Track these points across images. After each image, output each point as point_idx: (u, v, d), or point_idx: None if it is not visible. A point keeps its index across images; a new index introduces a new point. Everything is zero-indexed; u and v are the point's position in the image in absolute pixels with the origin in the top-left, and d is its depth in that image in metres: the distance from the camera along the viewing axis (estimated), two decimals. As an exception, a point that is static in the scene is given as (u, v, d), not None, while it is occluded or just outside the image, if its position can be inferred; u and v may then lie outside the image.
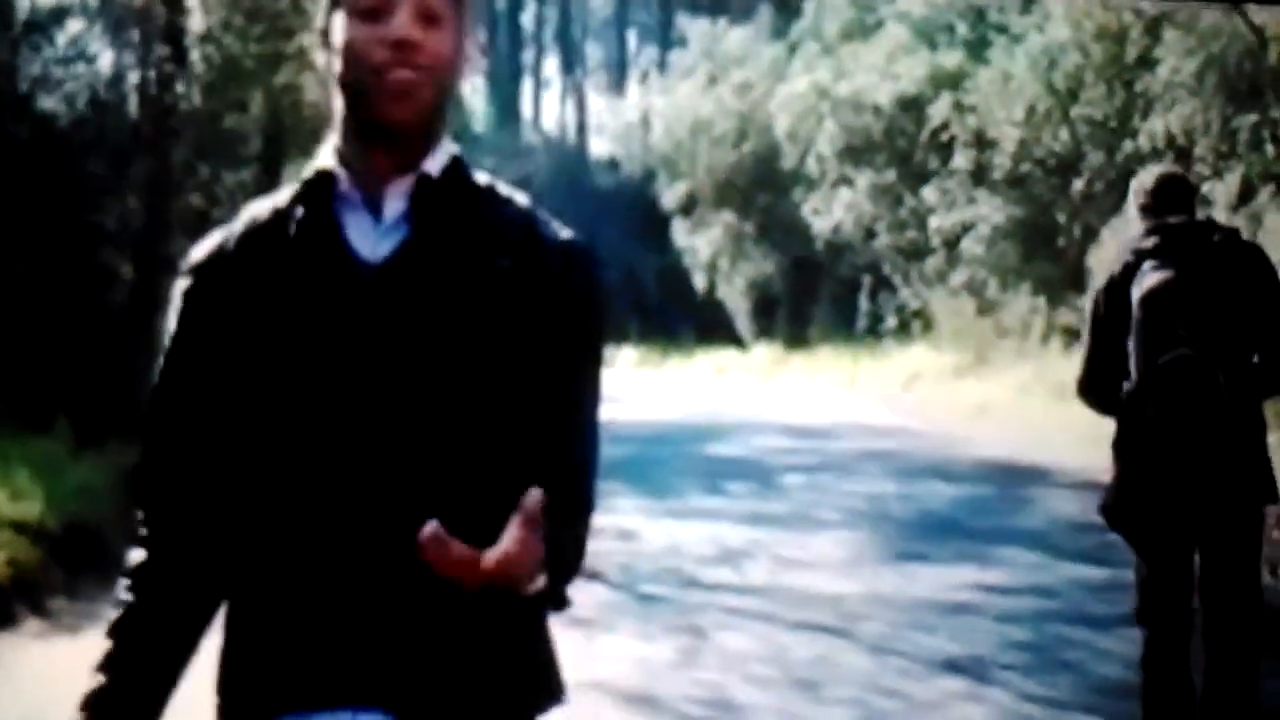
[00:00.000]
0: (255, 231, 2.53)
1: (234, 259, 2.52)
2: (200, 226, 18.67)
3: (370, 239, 2.47)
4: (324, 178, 2.50)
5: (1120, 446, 6.52)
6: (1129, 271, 6.37)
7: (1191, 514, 6.38)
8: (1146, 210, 6.54)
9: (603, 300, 2.59)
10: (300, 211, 2.50)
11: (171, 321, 2.57)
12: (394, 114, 2.44)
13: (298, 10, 18.55)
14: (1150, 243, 6.39)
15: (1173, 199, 6.55)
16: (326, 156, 2.51)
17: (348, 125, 2.50)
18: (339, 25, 2.47)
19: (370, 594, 2.40)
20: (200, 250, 2.57)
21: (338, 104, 2.52)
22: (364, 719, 2.42)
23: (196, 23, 17.38)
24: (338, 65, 2.48)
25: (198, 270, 2.56)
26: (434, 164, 2.51)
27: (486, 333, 2.43)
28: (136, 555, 2.58)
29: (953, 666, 8.85)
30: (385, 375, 2.41)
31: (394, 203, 2.48)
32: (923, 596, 10.55)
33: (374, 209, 2.48)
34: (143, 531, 2.59)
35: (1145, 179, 6.72)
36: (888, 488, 15.58)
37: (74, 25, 17.31)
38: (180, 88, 17.02)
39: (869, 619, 9.89)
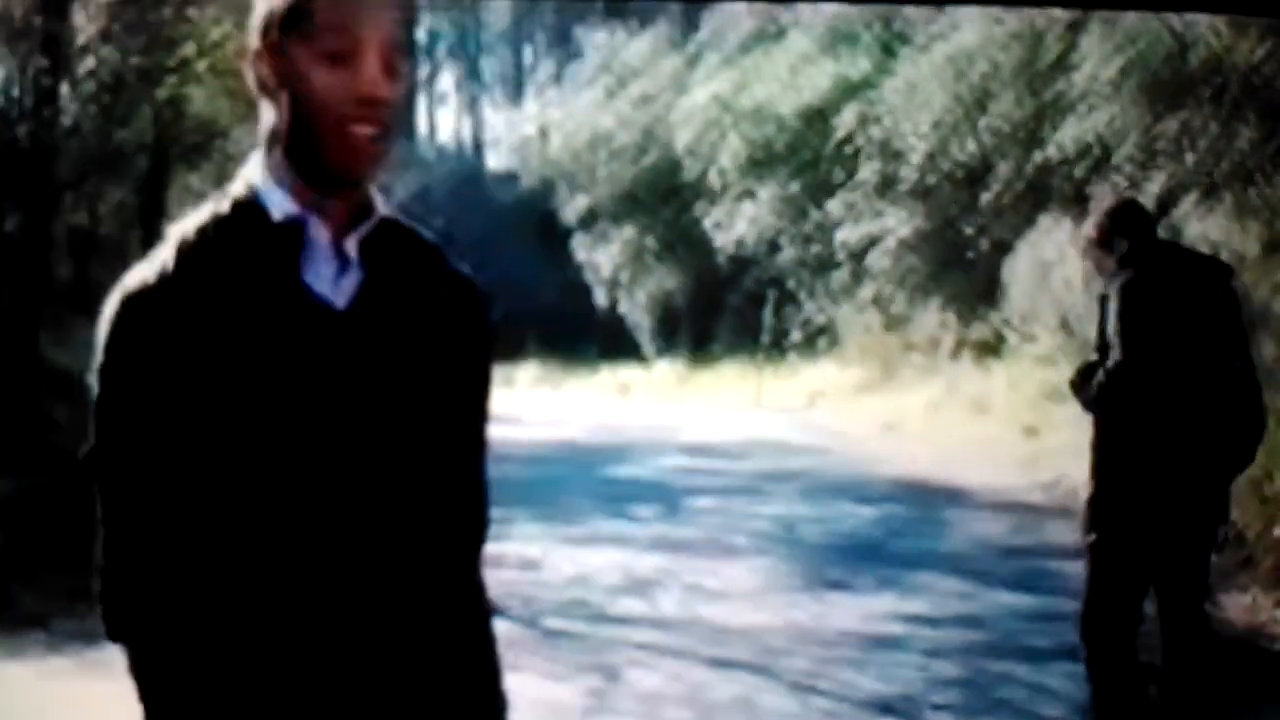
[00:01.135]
0: (200, 263, 2.47)
1: (182, 293, 2.44)
2: (85, 246, 18.04)
3: (330, 282, 2.47)
4: (290, 221, 2.48)
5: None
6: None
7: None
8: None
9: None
10: (254, 249, 2.47)
11: (109, 355, 2.47)
12: (355, 169, 2.45)
13: (181, 20, 17.88)
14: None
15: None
16: (276, 192, 2.48)
17: (295, 161, 2.47)
18: (300, 60, 2.43)
19: (338, 631, 2.45)
20: (137, 281, 2.48)
21: (272, 124, 2.49)
22: None
23: (80, 34, 16.58)
24: (288, 100, 2.45)
25: (139, 303, 2.46)
26: (382, 205, 2.55)
27: (435, 372, 2.52)
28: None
29: (883, 707, 8.35)
30: (356, 417, 2.44)
31: (352, 245, 2.50)
32: (845, 629, 10.00)
33: (336, 252, 2.49)
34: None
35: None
36: (800, 510, 14.99)
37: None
38: (62, 101, 16.26)
39: (790, 654, 9.32)
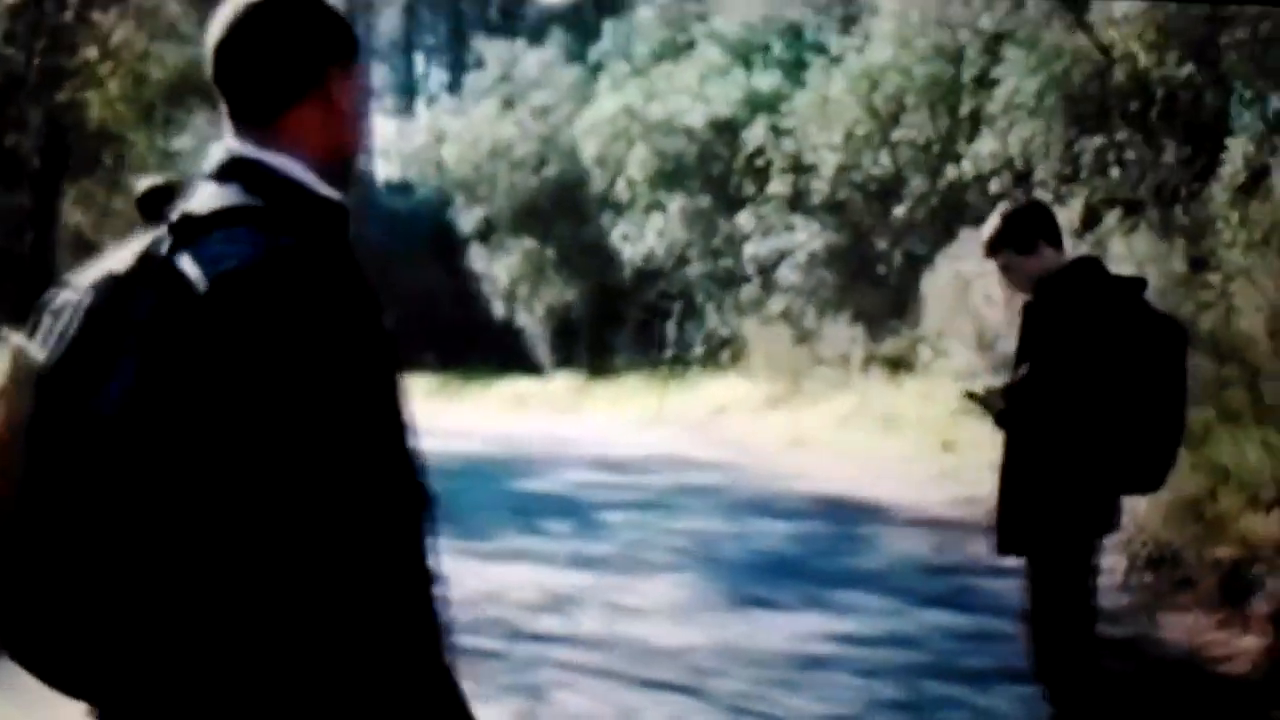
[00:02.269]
0: (340, 252, 2.60)
1: (359, 281, 2.59)
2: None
3: None
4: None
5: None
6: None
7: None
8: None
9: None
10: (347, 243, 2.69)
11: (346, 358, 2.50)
12: (346, 186, 2.76)
13: (82, 23, 17.38)
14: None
15: None
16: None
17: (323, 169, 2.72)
18: (345, 90, 2.75)
19: None
20: (323, 276, 2.53)
21: (319, 134, 2.73)
22: None
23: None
24: (339, 120, 2.75)
25: (360, 293, 2.58)
26: None
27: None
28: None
29: (824, 731, 7.97)
30: None
31: None
32: (776, 648, 9.63)
33: None
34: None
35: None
36: (716, 525, 14.61)
37: None
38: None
39: (722, 675, 8.94)
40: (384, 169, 54.80)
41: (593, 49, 38.03)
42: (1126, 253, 15.15)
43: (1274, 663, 9.12)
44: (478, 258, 39.30)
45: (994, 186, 19.83)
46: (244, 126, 2.71)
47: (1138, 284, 6.80)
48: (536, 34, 42.10)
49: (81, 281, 2.59)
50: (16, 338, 2.57)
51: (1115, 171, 16.89)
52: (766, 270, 27.09)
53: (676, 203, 30.77)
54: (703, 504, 15.96)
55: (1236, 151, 14.71)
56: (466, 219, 39.16)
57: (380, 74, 65.45)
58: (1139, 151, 16.76)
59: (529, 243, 37.40)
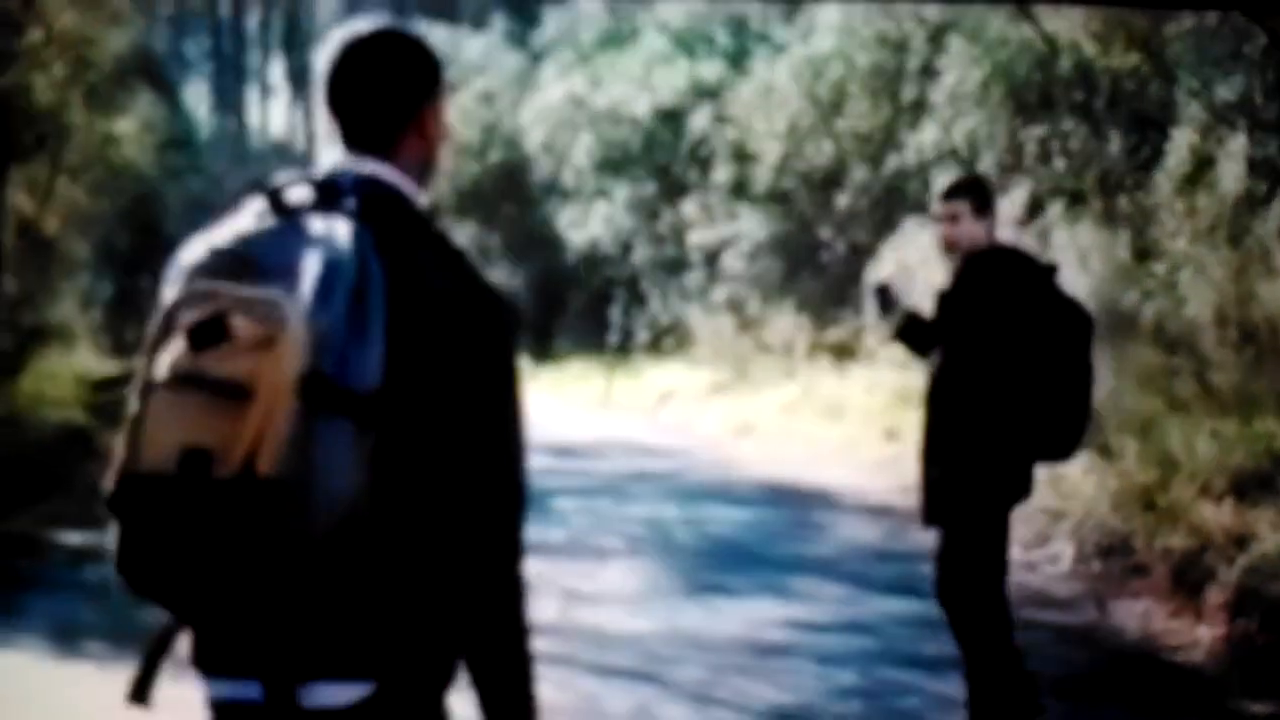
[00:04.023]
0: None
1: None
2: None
3: None
4: None
5: None
6: None
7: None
8: None
9: None
10: None
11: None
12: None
13: (27, 6, 17.24)
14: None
15: None
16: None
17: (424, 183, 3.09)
18: (435, 121, 3.10)
19: None
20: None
21: (423, 157, 3.11)
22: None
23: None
24: (437, 145, 3.11)
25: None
26: None
27: None
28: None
29: (783, 717, 8.03)
30: None
31: None
32: (733, 635, 9.73)
33: None
34: None
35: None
36: (668, 512, 14.67)
37: None
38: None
39: (682, 662, 9.05)
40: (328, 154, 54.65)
41: (536, 35, 37.97)
42: (1070, 242, 15.26)
43: (1229, 652, 9.25)
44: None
45: (936, 176, 19.93)
46: (356, 146, 3.02)
47: (1049, 270, 7.17)
48: (478, 20, 41.98)
49: (241, 245, 2.80)
50: (247, 289, 2.68)
51: (1059, 161, 16.99)
52: (711, 258, 27.12)
53: (622, 190, 30.81)
54: (654, 490, 16.01)
55: (1181, 141, 14.79)
56: (409, 203, 38.97)
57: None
58: (1083, 141, 16.86)
59: (472, 228, 37.33)
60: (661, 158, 30.04)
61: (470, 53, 38.88)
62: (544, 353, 33.58)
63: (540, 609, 8.85)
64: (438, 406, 2.77)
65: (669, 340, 28.78)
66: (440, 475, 2.78)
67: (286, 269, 2.69)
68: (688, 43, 30.64)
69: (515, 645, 2.90)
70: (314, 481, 2.57)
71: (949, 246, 7.12)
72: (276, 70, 64.48)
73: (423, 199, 3.02)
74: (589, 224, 31.41)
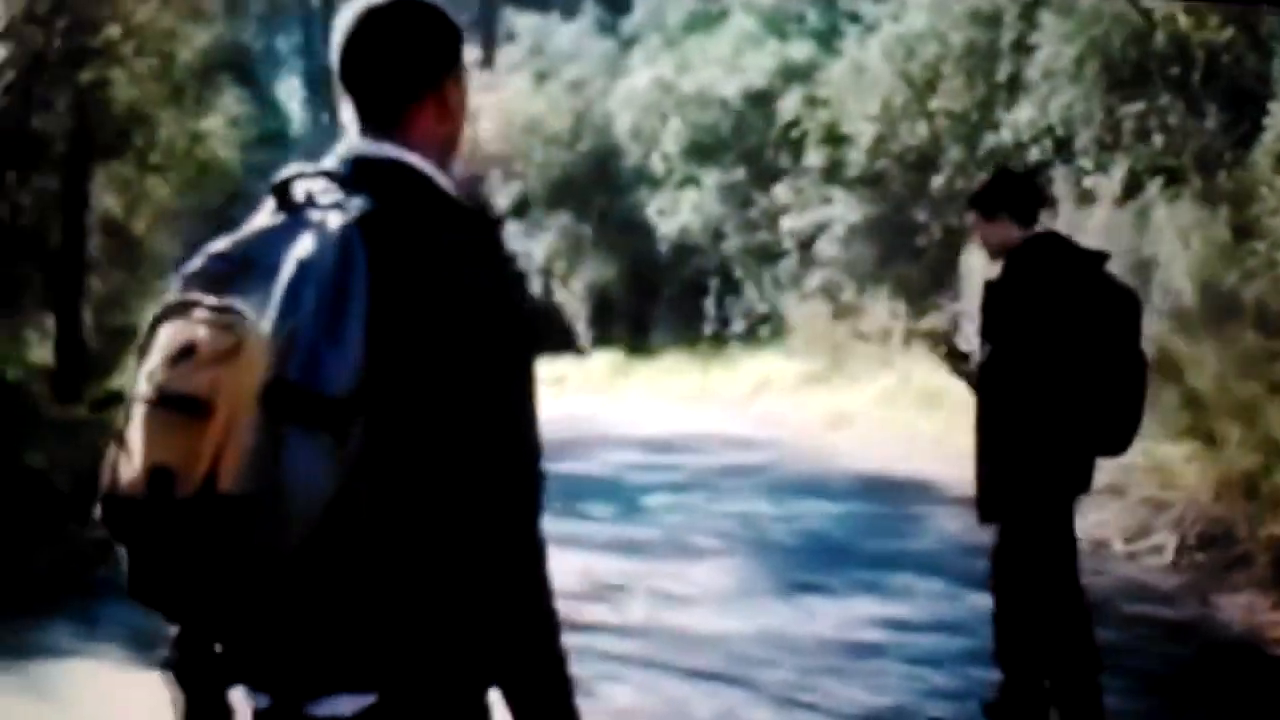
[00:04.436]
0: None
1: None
2: (7, 236, 17.28)
3: None
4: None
5: None
6: None
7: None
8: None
9: None
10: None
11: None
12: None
13: (105, 1, 17.17)
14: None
15: None
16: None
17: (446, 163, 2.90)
18: (456, 92, 2.93)
19: None
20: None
21: (442, 135, 2.92)
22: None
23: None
24: (458, 120, 2.94)
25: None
26: None
27: None
28: None
29: (876, 721, 7.79)
30: None
31: None
32: (824, 635, 9.46)
33: None
34: None
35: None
36: (762, 507, 14.40)
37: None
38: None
39: (771, 664, 8.78)
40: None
41: (625, 22, 37.82)
42: (1169, 221, 14.89)
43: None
44: (514, 235, 39.17)
45: (1033, 155, 19.59)
46: (370, 125, 2.86)
47: (1098, 257, 7.08)
48: (569, 7, 42.01)
49: (241, 247, 2.68)
50: (214, 299, 2.57)
51: (1157, 138, 16.62)
52: (805, 244, 26.81)
53: (711, 176, 30.50)
54: (747, 484, 15.76)
55: (1279, 116, 14.44)
56: (502, 196, 39.01)
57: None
58: (1180, 117, 16.48)
59: (564, 219, 37.25)
60: (752, 142, 29.67)
61: (560, 41, 38.88)
62: (639, 345, 33.46)
63: (627, 611, 8.68)
64: (430, 407, 2.62)
65: (764, 329, 28.55)
66: (439, 479, 2.64)
67: (278, 269, 2.58)
68: (777, 23, 30.33)
69: (540, 656, 2.77)
70: (280, 494, 2.45)
71: (988, 253, 7.19)
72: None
73: (444, 180, 2.84)
74: (679, 212, 31.18)
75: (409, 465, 2.61)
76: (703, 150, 30.50)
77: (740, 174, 29.92)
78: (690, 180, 31.03)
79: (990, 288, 6.98)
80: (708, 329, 30.87)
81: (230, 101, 25.09)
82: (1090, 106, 18.05)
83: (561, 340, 36.61)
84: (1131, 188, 16.45)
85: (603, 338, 35.67)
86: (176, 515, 2.47)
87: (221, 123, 23.77)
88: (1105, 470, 13.91)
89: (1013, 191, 7.06)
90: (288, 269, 2.55)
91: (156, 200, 20.58)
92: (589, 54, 37.72)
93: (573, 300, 37.36)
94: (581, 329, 36.79)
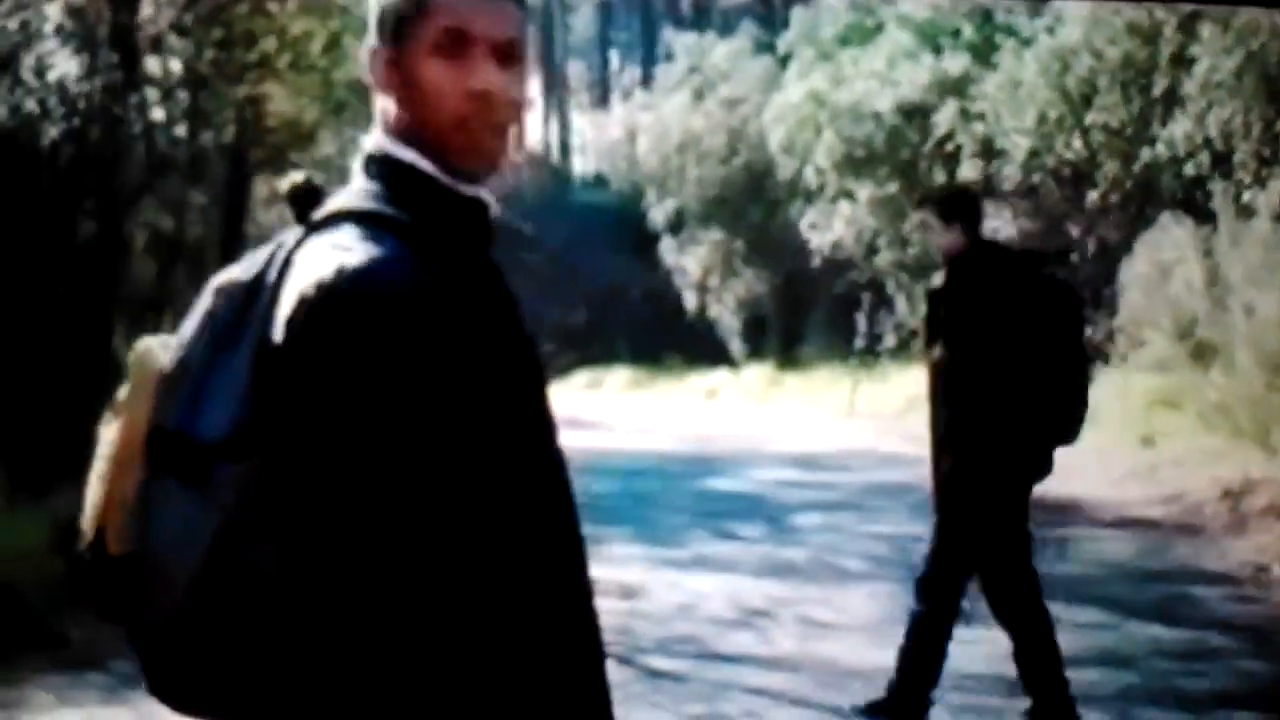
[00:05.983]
0: (449, 260, 2.32)
1: (457, 290, 2.29)
2: (167, 250, 17.46)
3: None
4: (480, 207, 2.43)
5: None
6: None
7: None
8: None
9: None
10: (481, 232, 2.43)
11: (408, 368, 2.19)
12: (475, 165, 2.39)
13: (259, 14, 17.26)
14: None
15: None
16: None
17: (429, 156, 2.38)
18: (415, 59, 2.36)
19: None
20: (405, 277, 2.23)
21: (396, 116, 2.41)
22: None
23: (150, 26, 15.95)
24: (407, 98, 2.39)
25: (429, 300, 2.23)
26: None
27: None
28: None
29: (1029, 764, 7.58)
30: None
31: None
32: (978, 669, 9.17)
33: None
34: None
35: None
36: (914, 529, 14.06)
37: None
38: (135, 98, 15.65)
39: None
40: (580, 164, 55.41)
41: (781, 39, 37.82)
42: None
43: None
44: (669, 250, 39.30)
45: (1190, 169, 19.26)
46: None
47: (1033, 257, 8.20)
48: (726, 26, 42.17)
49: (216, 281, 2.41)
50: (148, 340, 2.42)
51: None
52: (958, 259, 26.56)
53: (865, 190, 30.33)
54: (900, 504, 15.50)
55: None
56: (659, 211, 39.14)
57: (576, 70, 66.31)
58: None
59: (718, 233, 37.33)
60: (905, 155, 29.54)
61: (717, 59, 39.04)
62: (790, 359, 33.36)
63: (775, 640, 8.54)
64: (303, 465, 2.18)
65: (915, 344, 28.29)
66: (310, 543, 2.20)
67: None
68: (931, 36, 30.10)
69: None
70: (154, 553, 2.27)
71: (941, 252, 7.57)
72: (533, 83, 65.25)
73: (425, 164, 2.38)
74: (832, 226, 31.07)
75: (284, 522, 2.19)
76: (856, 164, 30.34)
77: (893, 187, 29.74)
78: (843, 194, 30.87)
79: (935, 295, 7.53)
80: (859, 343, 30.67)
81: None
82: (1249, 120, 17.72)
83: (715, 353, 36.69)
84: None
85: (755, 351, 35.67)
86: (81, 574, 2.38)
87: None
88: (1264, 492, 13.62)
89: (967, 205, 7.56)
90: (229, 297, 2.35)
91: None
92: (745, 71, 37.88)
93: (726, 314, 37.38)
94: (734, 343, 36.81)
